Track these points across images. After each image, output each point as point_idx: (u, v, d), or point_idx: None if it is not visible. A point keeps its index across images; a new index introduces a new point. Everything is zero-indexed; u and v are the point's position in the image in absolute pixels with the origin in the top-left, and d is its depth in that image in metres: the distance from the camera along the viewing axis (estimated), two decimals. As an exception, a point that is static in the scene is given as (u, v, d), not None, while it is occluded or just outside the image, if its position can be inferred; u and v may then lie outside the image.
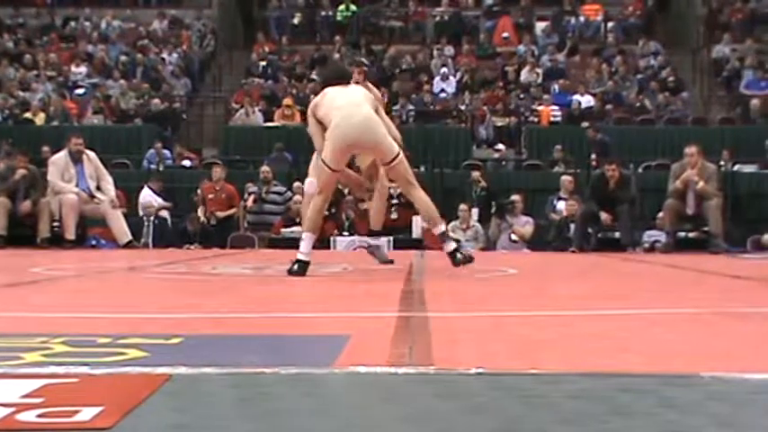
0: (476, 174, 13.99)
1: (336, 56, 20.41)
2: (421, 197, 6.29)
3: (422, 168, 14.11)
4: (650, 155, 16.11)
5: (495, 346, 2.78)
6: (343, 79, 6.50)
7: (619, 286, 5.98)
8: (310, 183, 6.63)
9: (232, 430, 1.59)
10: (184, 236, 12.93)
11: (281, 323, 3.55)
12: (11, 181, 11.50)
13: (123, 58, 20.81)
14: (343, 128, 5.99)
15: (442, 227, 6.32)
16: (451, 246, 6.21)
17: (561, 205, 12.88)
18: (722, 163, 14.69)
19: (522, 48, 20.84)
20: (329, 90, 6.28)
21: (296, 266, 5.96)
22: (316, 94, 6.71)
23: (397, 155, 6.12)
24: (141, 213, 13.31)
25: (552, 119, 18.19)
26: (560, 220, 12.68)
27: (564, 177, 13.35)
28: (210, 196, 13.21)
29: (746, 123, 17.95)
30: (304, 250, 6.02)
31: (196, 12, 22.58)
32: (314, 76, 18.65)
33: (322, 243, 12.31)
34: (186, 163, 16.25)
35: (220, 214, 13.04)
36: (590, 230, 11.89)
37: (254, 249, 12.04)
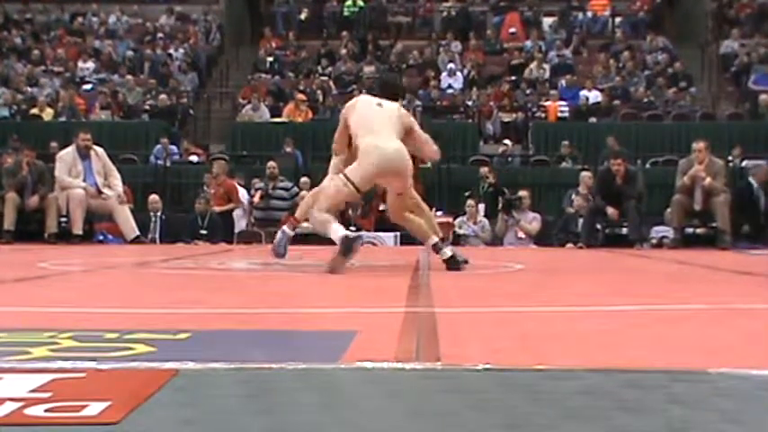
0: (484, 169, 13.99)
1: (343, 51, 20.34)
2: (412, 220, 6.40)
3: (429, 164, 14.10)
4: (658, 150, 16.09)
5: (502, 341, 2.78)
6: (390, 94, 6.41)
7: (626, 282, 5.96)
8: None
9: (239, 425, 1.59)
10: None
11: (289, 319, 3.55)
12: (19, 176, 11.53)
13: (130, 53, 20.85)
14: (376, 156, 6.02)
15: (435, 238, 6.38)
16: (447, 253, 6.28)
17: (579, 201, 12.84)
18: (731, 159, 14.63)
19: (529, 43, 20.81)
20: (365, 98, 6.29)
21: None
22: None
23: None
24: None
25: (559, 114, 18.18)
26: (567, 215, 12.65)
27: (584, 173, 13.30)
28: (211, 191, 13.20)
29: (755, 119, 17.90)
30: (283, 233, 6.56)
31: (203, 7, 22.61)
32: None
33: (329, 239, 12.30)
34: (193, 158, 16.26)
35: (218, 209, 12.99)
36: (597, 226, 11.87)
37: (261, 245, 12.04)
